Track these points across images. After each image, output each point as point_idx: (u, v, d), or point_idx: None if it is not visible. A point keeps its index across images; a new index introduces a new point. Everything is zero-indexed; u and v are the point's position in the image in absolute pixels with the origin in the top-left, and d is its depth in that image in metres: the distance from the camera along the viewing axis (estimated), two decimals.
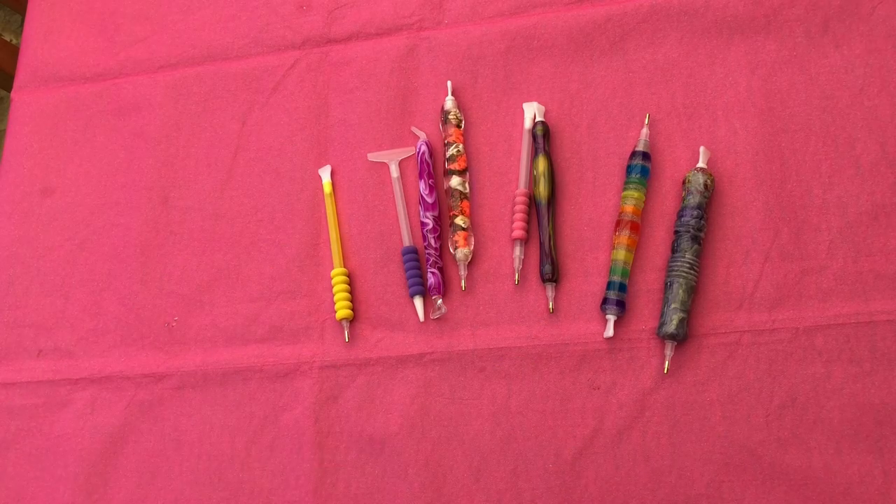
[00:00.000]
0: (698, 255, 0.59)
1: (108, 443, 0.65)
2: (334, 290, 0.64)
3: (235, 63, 0.74)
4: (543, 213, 0.62)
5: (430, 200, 0.65)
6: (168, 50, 0.76)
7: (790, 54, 0.63)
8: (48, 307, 0.70)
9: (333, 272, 0.65)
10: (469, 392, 0.61)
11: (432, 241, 0.64)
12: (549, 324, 0.61)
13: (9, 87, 0.84)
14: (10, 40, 1.33)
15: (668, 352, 0.58)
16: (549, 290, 0.61)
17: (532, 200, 0.64)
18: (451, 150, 0.65)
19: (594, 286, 0.61)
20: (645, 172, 0.62)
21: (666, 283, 0.59)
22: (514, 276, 0.63)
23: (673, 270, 0.58)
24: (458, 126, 0.66)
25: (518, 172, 0.65)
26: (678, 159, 0.63)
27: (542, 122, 0.65)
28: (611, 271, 0.60)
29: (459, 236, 0.63)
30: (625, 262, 0.60)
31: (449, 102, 0.67)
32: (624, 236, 0.60)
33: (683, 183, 0.61)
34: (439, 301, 0.63)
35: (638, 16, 0.67)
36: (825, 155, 0.61)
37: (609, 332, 0.59)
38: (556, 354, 0.61)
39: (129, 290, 0.69)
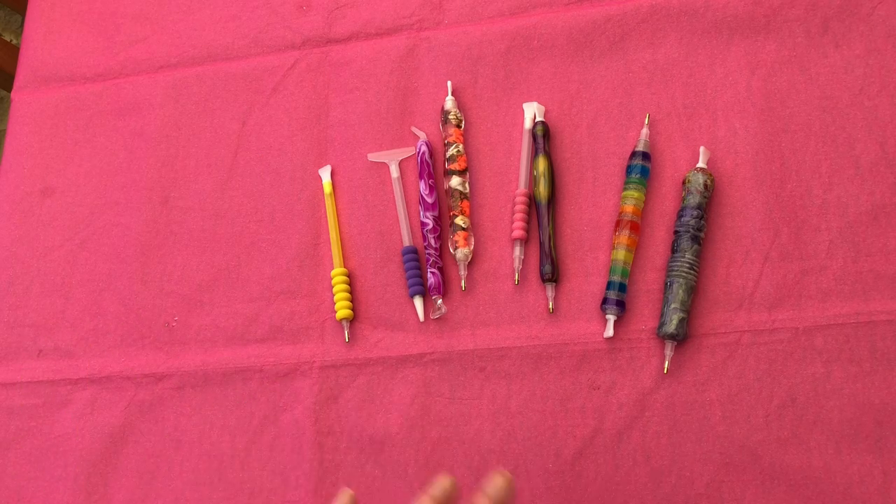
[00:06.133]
0: (698, 255, 0.59)
1: (108, 443, 0.65)
2: (334, 290, 0.64)
3: (235, 63, 0.74)
4: (543, 213, 0.62)
5: (430, 200, 0.65)
6: (168, 50, 0.76)
7: (790, 54, 0.63)
8: (48, 307, 0.70)
9: (333, 272, 0.65)
10: (469, 392, 0.61)
11: (432, 241, 0.64)
12: (549, 324, 0.61)
13: (9, 87, 0.84)
14: (10, 40, 1.33)
15: (668, 352, 0.58)
16: (549, 290, 0.61)
17: (532, 200, 0.64)
18: (451, 150, 0.65)
19: (594, 286, 0.61)
20: (645, 172, 0.62)
21: (666, 283, 0.59)
22: (514, 276, 0.63)
23: (673, 270, 0.58)
24: (458, 126, 0.66)
25: (518, 172, 0.65)
26: (678, 159, 0.63)
27: (542, 122, 0.65)
28: (611, 271, 0.60)
29: (459, 236, 0.63)
30: (625, 262, 0.60)
31: (449, 102, 0.67)
32: (624, 236, 0.60)
33: (683, 183, 0.61)
34: (439, 301, 0.63)
35: (638, 16, 0.67)
36: (825, 155, 0.61)
37: (609, 332, 0.59)
38: (556, 354, 0.61)
39: (129, 290, 0.69)
